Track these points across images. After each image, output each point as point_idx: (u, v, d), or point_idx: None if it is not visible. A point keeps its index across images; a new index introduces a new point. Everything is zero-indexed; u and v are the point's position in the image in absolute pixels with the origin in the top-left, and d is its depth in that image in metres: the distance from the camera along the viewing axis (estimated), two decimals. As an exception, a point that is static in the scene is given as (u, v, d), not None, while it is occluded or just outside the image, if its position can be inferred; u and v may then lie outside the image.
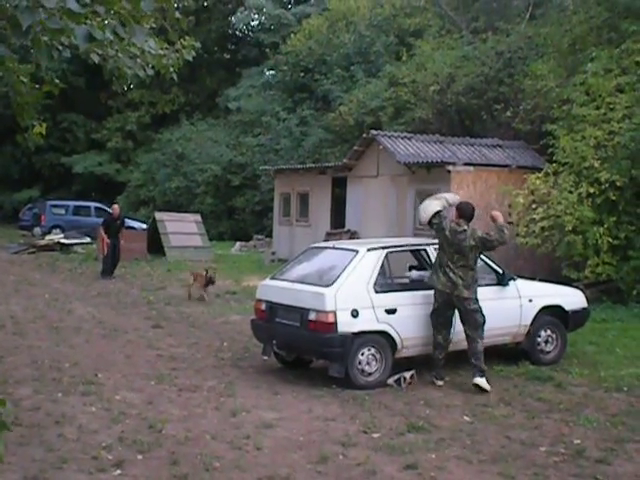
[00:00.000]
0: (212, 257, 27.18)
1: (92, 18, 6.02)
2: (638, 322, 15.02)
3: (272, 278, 11.22)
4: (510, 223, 18.93)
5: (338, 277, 10.15)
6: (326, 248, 11.76)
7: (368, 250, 10.49)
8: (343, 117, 32.69)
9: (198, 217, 29.95)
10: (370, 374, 10.02)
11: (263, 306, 10.84)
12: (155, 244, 27.77)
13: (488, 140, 23.51)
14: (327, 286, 10.03)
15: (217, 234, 37.60)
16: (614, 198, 17.63)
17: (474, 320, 10.04)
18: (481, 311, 10.08)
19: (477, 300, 10.10)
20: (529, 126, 23.51)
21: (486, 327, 10.49)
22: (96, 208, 38.51)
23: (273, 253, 27.78)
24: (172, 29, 8.05)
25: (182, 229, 28.19)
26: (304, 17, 45.91)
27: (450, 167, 20.37)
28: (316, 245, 12.40)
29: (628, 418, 8.62)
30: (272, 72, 45.98)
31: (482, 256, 11.03)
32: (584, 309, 11.91)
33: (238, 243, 33.86)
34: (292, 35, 43.13)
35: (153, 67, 8.96)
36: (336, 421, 8.55)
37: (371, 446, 7.68)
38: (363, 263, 10.29)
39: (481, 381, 9.83)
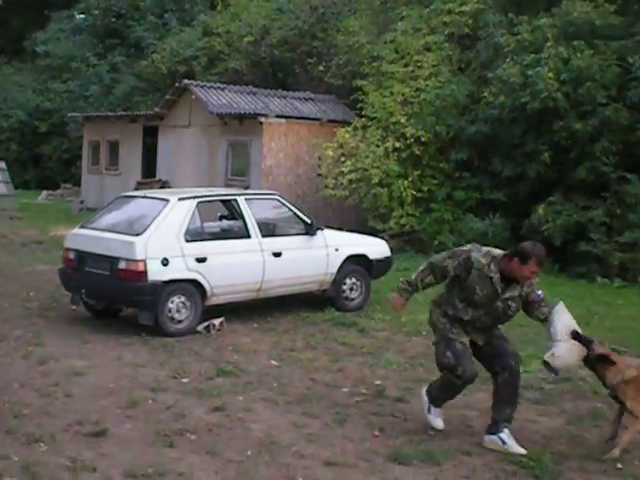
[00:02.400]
0: (17, 206, 26.24)
1: None
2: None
3: (81, 227, 11.06)
4: (319, 175, 19.40)
5: (148, 226, 10.13)
6: (136, 197, 11.68)
7: (179, 199, 10.51)
8: (156, 65, 32.18)
9: (2, 164, 28.76)
10: (180, 321, 10.10)
11: (72, 255, 10.67)
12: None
13: (301, 93, 23.82)
14: (137, 235, 10.00)
15: (22, 182, 36.17)
16: (418, 153, 18.39)
17: None
18: None
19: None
20: (341, 81, 23.93)
21: (294, 275, 10.84)
22: None
23: (81, 202, 27.19)
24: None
25: (-16, 176, 27.02)
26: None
27: (262, 119, 20.58)
28: (126, 194, 12.28)
29: (425, 360, 9.10)
30: (82, 16, 44.43)
31: (290, 206, 11.28)
32: (387, 258, 12.41)
33: (45, 192, 32.84)
34: (103, -23, 41.81)
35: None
36: (146, 367, 8.61)
37: (180, 390, 7.80)
38: (174, 212, 10.30)
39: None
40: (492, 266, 6.31)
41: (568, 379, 8.44)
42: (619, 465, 6.17)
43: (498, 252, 6.45)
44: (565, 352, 6.24)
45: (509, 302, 6.39)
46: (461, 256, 6.40)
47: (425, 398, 6.90)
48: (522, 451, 6.32)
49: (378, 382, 8.24)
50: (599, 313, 12.22)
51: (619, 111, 16.35)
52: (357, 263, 11.83)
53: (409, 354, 9.45)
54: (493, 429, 6.52)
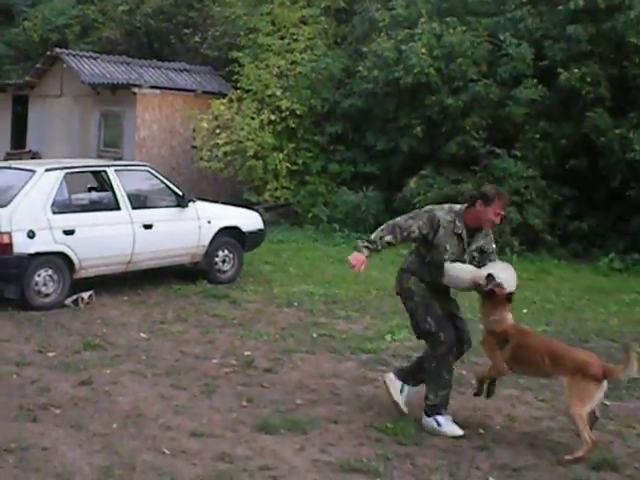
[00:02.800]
0: None
1: None
2: (311, 243, 15.99)
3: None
4: (194, 147, 19.22)
5: (14, 197, 9.83)
6: (2, 168, 11.31)
7: (46, 170, 10.23)
8: (27, 33, 31.06)
9: None
10: (47, 295, 9.86)
11: None
12: None
13: (176, 64, 23.45)
14: (2, 207, 9.69)
15: None
16: (293, 126, 18.43)
17: None
18: None
19: None
20: (217, 52, 23.67)
21: (166, 248, 10.73)
22: None
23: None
24: None
25: None
26: None
27: (136, 89, 20.21)
28: (-8, 164, 11.89)
29: (296, 330, 9.18)
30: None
31: (162, 178, 11.15)
32: (260, 230, 12.39)
33: None
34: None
35: None
36: (10, 342, 8.39)
37: (46, 365, 7.62)
38: (40, 183, 10.03)
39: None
40: (457, 222, 6.26)
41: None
42: (481, 430, 6.34)
43: (458, 207, 6.41)
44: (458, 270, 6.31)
45: (474, 254, 6.37)
46: (424, 216, 6.31)
47: (428, 420, 6.39)
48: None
49: (248, 353, 8.25)
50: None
51: (489, 87, 16.75)
52: (230, 235, 11.77)
53: (280, 325, 9.48)
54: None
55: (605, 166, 16.03)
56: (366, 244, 6.33)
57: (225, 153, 18.35)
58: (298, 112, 18.36)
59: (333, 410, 6.67)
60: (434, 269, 6.36)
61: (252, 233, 12.14)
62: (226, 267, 11.74)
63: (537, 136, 16.75)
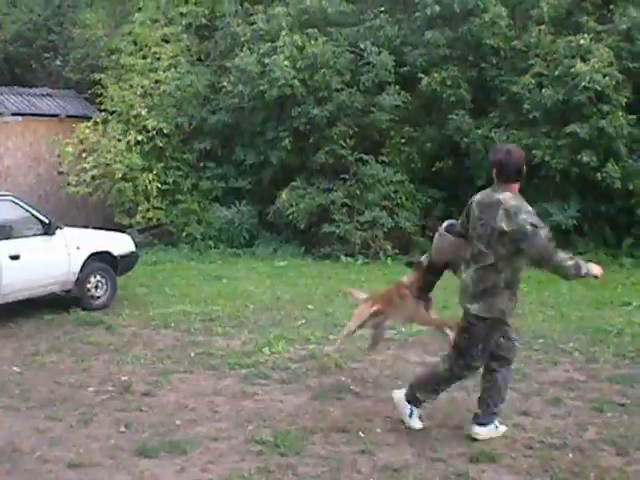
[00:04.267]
0: None
1: None
2: (187, 262, 15.88)
3: None
4: (61, 173, 18.83)
5: None
6: None
7: None
8: None
9: None
10: None
11: None
12: None
13: (38, 89, 22.83)
14: None
15: None
16: (161, 145, 18.28)
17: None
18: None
19: None
20: (79, 75, 23.16)
21: (35, 277, 10.47)
22: None
23: None
24: None
25: None
26: None
27: (-3, 117, 19.64)
28: None
29: (174, 351, 9.08)
30: None
31: (26, 206, 10.87)
32: (132, 253, 12.21)
33: None
34: None
35: None
36: None
37: None
38: None
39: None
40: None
41: (313, 357, 8.68)
42: (361, 434, 6.41)
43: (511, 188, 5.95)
44: None
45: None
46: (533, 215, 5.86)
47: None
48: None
49: (125, 378, 8.10)
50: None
51: (353, 95, 17.03)
52: (101, 260, 11.54)
53: (157, 347, 9.34)
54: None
55: (470, 166, 16.50)
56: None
57: (93, 177, 18.03)
58: (165, 131, 18.21)
59: (213, 428, 6.62)
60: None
61: (124, 256, 11.95)
62: (99, 293, 11.51)
63: (403, 141, 17.15)
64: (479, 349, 6.03)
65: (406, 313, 7.23)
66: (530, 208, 5.81)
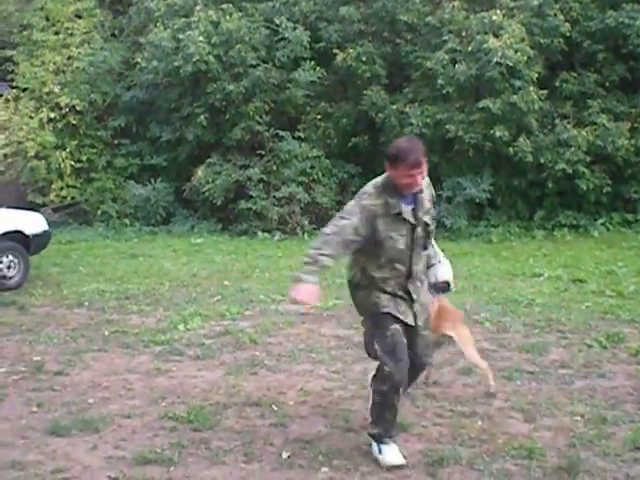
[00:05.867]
0: None
1: None
2: (102, 240, 15.73)
3: None
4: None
5: None
6: None
7: None
8: None
9: None
10: None
11: None
12: None
13: None
14: None
15: None
16: (75, 122, 18.01)
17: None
18: None
19: None
20: (-10, 51, 22.69)
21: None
22: None
23: None
24: None
25: None
26: None
27: None
28: None
29: (87, 330, 9.00)
30: None
31: None
32: (45, 232, 12.01)
33: None
34: None
35: None
36: None
37: None
38: None
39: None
40: (389, 199, 5.11)
41: (229, 332, 8.71)
42: (275, 407, 6.46)
43: (381, 179, 5.22)
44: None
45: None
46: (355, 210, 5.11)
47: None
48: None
49: (37, 358, 8.00)
50: (260, 266, 12.70)
51: (269, 71, 17.02)
52: (12, 240, 11.34)
53: (70, 326, 9.24)
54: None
55: (385, 141, 16.61)
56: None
57: (5, 155, 17.70)
58: (78, 108, 17.95)
59: (126, 405, 6.60)
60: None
61: (37, 236, 11.76)
62: (11, 273, 11.31)
63: (319, 117, 17.22)
64: None
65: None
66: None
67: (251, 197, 16.33)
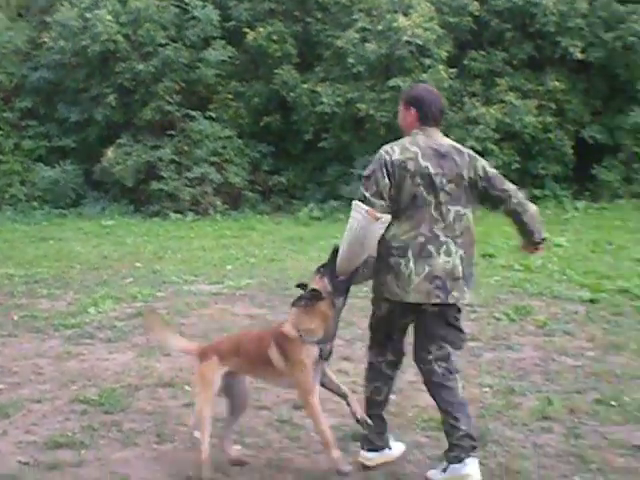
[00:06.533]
0: None
1: None
2: (11, 224, 15.56)
3: None
4: None
5: None
6: None
7: None
8: None
9: None
10: None
11: None
12: None
13: None
14: None
15: None
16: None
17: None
18: None
19: None
20: None
21: None
22: None
23: None
24: None
25: None
26: None
27: None
28: None
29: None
30: None
31: None
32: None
33: None
34: None
35: None
36: None
37: None
38: None
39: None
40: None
41: (140, 314, 8.64)
42: (187, 387, 6.42)
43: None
44: None
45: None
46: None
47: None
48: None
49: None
50: (172, 248, 12.63)
51: (179, 50, 16.86)
52: None
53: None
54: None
55: (297, 120, 16.68)
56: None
57: None
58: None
59: (37, 390, 6.51)
60: None
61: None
62: None
63: (230, 96, 17.15)
64: None
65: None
66: None
67: (163, 178, 16.21)
